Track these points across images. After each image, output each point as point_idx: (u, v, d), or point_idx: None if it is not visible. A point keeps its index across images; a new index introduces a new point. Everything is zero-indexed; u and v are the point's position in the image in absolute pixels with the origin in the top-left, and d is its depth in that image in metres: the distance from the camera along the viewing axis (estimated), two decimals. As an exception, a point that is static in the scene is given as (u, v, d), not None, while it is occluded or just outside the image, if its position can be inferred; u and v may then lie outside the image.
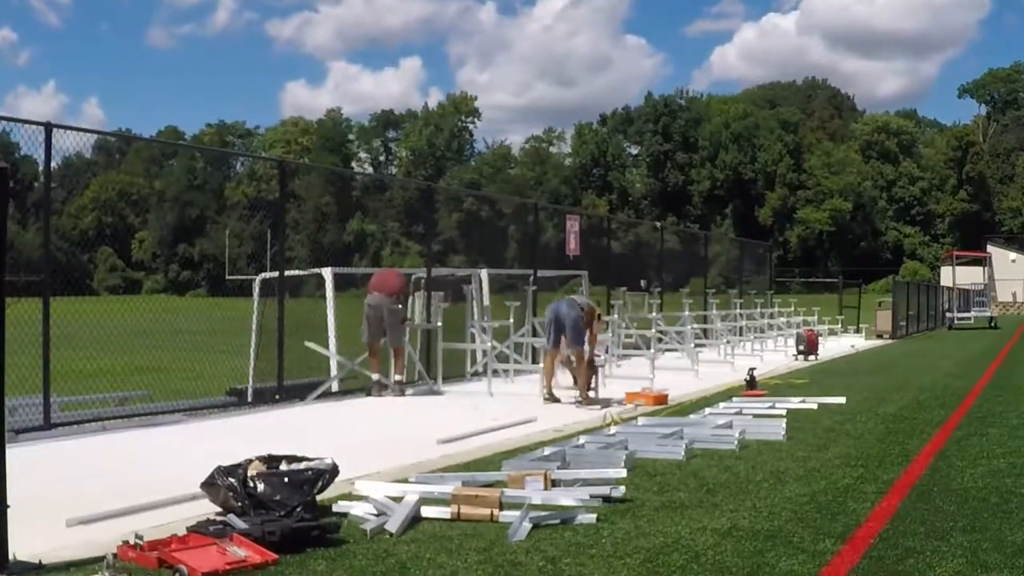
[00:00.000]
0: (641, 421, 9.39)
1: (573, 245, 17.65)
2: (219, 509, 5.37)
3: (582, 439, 8.15)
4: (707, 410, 10.23)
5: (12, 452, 4.77)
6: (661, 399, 11.02)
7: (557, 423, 9.51)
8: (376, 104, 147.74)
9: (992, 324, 34.70)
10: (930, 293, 35.95)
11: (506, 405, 10.72)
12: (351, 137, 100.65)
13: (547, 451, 7.44)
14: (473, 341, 13.81)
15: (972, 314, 35.98)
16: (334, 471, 5.75)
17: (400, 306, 11.85)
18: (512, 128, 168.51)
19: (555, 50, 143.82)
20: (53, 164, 9.30)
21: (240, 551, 4.64)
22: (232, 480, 5.38)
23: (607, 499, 5.89)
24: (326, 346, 12.13)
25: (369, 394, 11.59)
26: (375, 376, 11.69)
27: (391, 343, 11.71)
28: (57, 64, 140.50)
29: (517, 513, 5.36)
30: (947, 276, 44.51)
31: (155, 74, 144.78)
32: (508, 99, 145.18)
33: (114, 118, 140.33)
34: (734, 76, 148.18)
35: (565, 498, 5.86)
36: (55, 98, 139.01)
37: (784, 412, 9.87)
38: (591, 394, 11.20)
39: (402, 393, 11.64)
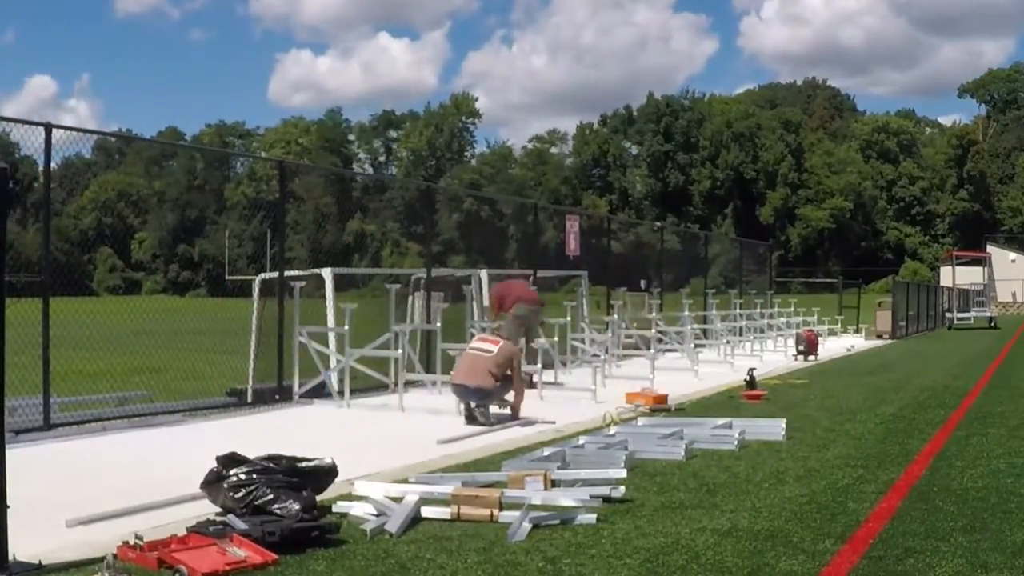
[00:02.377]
0: (641, 421, 9.40)
1: (573, 245, 17.64)
2: (219, 509, 5.37)
3: (582, 439, 8.15)
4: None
5: (12, 452, 4.77)
6: (661, 399, 11.02)
7: (557, 423, 9.51)
8: (392, 82, 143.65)
9: (992, 324, 34.71)
10: (930, 293, 35.93)
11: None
12: (351, 137, 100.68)
13: (547, 451, 7.44)
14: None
15: (972, 314, 35.98)
16: (334, 471, 5.76)
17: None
18: (541, 116, 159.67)
19: (594, 29, 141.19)
20: (53, 165, 9.30)
21: (240, 551, 4.64)
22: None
23: (607, 499, 5.89)
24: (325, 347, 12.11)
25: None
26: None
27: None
28: (33, 36, 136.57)
29: (517, 513, 5.36)
30: (947, 276, 44.53)
31: (142, 45, 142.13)
32: (539, 83, 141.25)
33: (110, 108, 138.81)
34: (793, 54, 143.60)
35: (565, 498, 5.86)
36: (38, 83, 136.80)
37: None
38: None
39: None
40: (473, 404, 9.61)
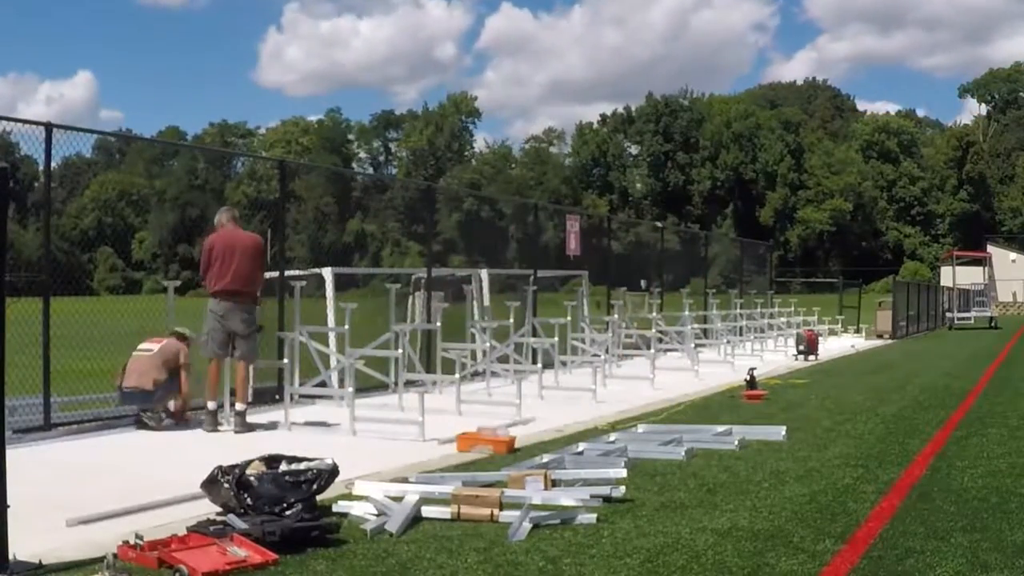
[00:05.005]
0: (641, 428, 9.37)
1: (573, 245, 17.65)
2: (219, 509, 5.37)
3: (581, 446, 8.07)
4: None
5: (12, 452, 4.78)
6: (508, 444, 7.83)
7: (557, 423, 9.51)
8: (414, 62, 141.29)
9: (992, 324, 34.69)
10: (930, 293, 35.94)
11: (506, 405, 10.69)
12: (351, 137, 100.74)
13: (545, 458, 7.30)
14: (473, 341, 13.80)
15: (972, 314, 35.95)
16: (334, 471, 5.75)
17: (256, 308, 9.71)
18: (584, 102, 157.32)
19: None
20: (53, 164, 9.30)
21: (240, 551, 4.64)
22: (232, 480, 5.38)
23: (607, 499, 5.90)
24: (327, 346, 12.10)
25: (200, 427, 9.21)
26: (212, 404, 9.27)
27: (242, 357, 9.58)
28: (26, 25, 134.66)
29: (517, 513, 5.37)
30: (947, 276, 44.52)
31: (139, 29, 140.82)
32: (581, 70, 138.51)
33: (107, 96, 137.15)
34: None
35: (565, 498, 5.86)
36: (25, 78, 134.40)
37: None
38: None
39: (247, 428, 9.17)
40: (140, 409, 9.05)
